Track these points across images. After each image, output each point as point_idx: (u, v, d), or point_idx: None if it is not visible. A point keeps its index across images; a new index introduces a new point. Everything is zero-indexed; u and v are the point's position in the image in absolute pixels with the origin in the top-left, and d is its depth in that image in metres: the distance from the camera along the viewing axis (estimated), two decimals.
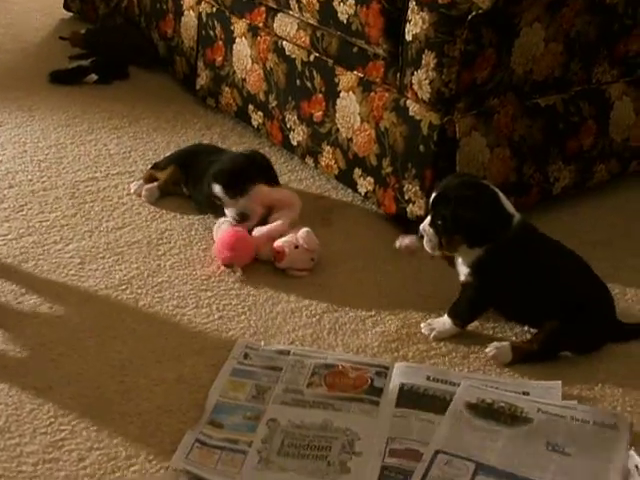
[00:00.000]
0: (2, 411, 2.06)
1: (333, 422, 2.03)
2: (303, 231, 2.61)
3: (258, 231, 2.66)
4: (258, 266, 2.62)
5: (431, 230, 2.30)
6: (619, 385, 2.24)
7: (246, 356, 2.25)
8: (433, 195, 2.31)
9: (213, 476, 1.89)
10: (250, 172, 2.74)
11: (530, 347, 2.31)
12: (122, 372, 2.20)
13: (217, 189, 2.70)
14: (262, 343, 2.31)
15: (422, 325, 2.40)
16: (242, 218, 2.68)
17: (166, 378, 2.19)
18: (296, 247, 2.59)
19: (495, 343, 2.33)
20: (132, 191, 2.95)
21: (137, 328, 2.36)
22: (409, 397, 2.11)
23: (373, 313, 2.47)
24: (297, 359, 2.24)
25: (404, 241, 2.46)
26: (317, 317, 2.44)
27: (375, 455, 1.95)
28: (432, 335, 2.38)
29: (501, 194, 2.31)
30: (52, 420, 2.05)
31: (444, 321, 2.38)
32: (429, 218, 2.32)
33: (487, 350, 2.31)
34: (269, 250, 2.61)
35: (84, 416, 2.06)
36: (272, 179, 2.83)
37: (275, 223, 2.67)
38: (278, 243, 2.60)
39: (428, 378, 2.17)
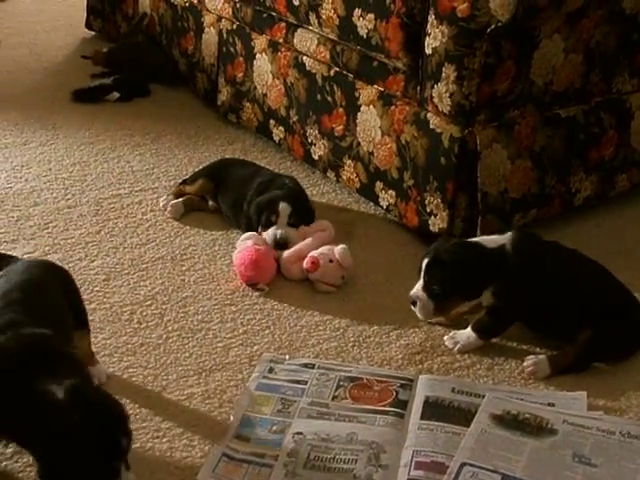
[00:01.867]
0: None
1: (359, 435, 2.03)
2: (340, 247, 2.63)
3: (287, 252, 2.67)
4: (282, 280, 2.64)
5: (425, 296, 2.30)
6: None
7: (271, 370, 2.26)
8: (425, 261, 2.30)
9: None
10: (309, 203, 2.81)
11: (566, 360, 2.30)
12: (148, 387, 2.22)
13: (284, 208, 2.72)
14: (287, 357, 2.32)
15: (445, 338, 2.41)
16: (284, 245, 2.69)
17: (192, 393, 2.20)
18: (330, 261, 2.60)
19: (532, 357, 2.32)
20: (161, 205, 2.97)
21: (162, 343, 2.37)
22: (434, 409, 2.11)
23: (397, 326, 2.47)
24: (322, 372, 2.25)
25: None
26: (341, 330, 2.45)
27: (401, 468, 1.95)
28: (456, 348, 2.37)
29: (485, 239, 2.35)
30: None
31: (468, 334, 2.38)
32: (421, 284, 2.31)
33: (525, 364, 2.30)
34: (298, 270, 2.63)
35: None
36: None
37: (305, 242, 2.68)
38: (314, 253, 2.61)
39: (453, 390, 2.17)
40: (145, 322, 2.46)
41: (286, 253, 2.66)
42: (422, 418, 2.08)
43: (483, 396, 2.14)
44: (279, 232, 2.70)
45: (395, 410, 2.12)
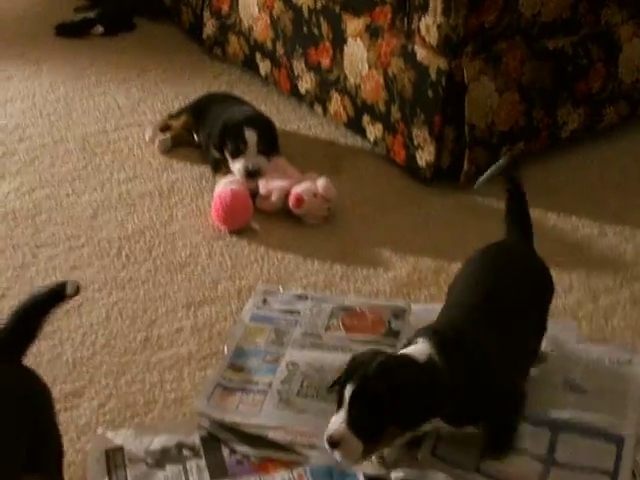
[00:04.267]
0: None
1: None
2: (322, 180, 2.62)
3: (265, 187, 2.65)
4: (269, 215, 2.63)
5: (350, 434, 1.69)
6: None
7: (265, 301, 2.28)
8: (348, 390, 1.70)
9: (234, 417, 1.92)
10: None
11: None
12: (138, 322, 2.23)
13: (250, 135, 2.70)
14: (280, 288, 2.33)
15: None
16: (255, 172, 2.67)
17: (182, 327, 2.22)
18: (315, 195, 2.60)
19: None
20: (147, 138, 2.95)
21: (151, 278, 2.38)
22: None
23: (384, 259, 2.48)
24: (315, 303, 2.27)
25: None
26: (329, 264, 2.46)
27: None
28: None
29: (410, 350, 1.79)
30: (71, 369, 2.08)
31: None
32: (343, 419, 1.70)
33: None
34: (279, 199, 2.62)
35: (102, 365, 2.09)
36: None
37: (283, 180, 2.67)
38: (297, 190, 2.60)
39: None
40: (133, 257, 2.46)
41: (263, 190, 2.65)
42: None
43: None
44: (250, 163, 2.68)
45: (387, 340, 2.13)
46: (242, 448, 1.85)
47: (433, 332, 1.80)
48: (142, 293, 2.33)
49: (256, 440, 1.87)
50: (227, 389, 2.00)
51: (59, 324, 2.19)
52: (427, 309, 2.23)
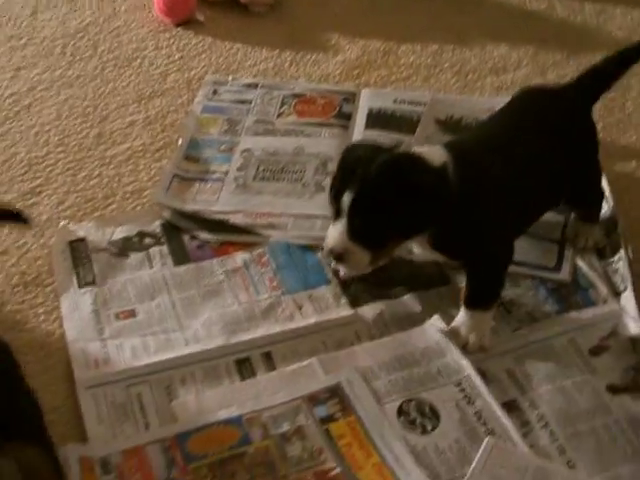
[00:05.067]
0: None
1: (305, 148, 2.06)
2: None
3: None
4: (214, 4, 2.58)
5: (354, 245, 1.53)
6: None
7: (215, 92, 2.26)
8: (348, 197, 1.51)
9: (193, 205, 1.94)
10: None
11: None
12: (89, 118, 2.21)
13: None
14: (230, 78, 2.32)
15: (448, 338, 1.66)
16: None
17: (134, 121, 2.20)
18: None
19: None
20: None
21: (98, 74, 2.35)
22: (378, 120, 2.14)
23: (333, 43, 2.47)
24: (266, 91, 2.26)
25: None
26: (277, 51, 2.44)
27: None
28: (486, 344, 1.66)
29: (425, 151, 1.58)
30: (27, 169, 2.07)
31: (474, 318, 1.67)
32: (344, 229, 1.53)
33: None
34: None
35: (58, 163, 2.09)
36: None
37: None
38: None
39: (395, 100, 2.19)
40: (79, 54, 2.42)
41: None
42: (366, 128, 2.12)
43: (425, 104, 2.17)
44: None
45: (339, 122, 2.15)
46: (203, 234, 1.88)
47: (456, 142, 1.67)
48: (91, 90, 2.30)
49: (216, 226, 1.90)
50: (184, 179, 2.01)
51: (10, 125, 2.18)
52: (376, 92, 2.25)
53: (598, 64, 1.82)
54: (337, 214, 1.53)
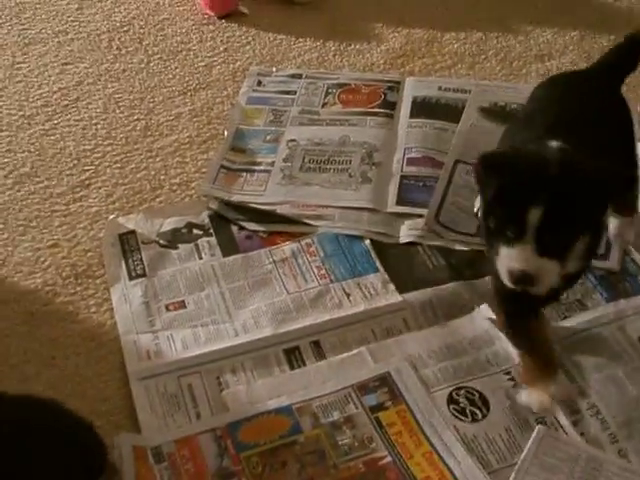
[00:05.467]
0: (26, 158, 2.10)
1: (351, 137, 2.07)
2: None
3: None
4: None
5: (544, 261, 1.38)
6: None
7: (259, 83, 2.28)
8: (535, 215, 1.36)
9: (241, 197, 1.95)
10: None
11: None
12: (136, 111, 2.23)
13: None
14: (274, 69, 2.33)
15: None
16: None
17: (180, 113, 2.22)
18: None
19: None
20: None
21: (144, 68, 2.37)
22: (422, 108, 2.15)
23: (376, 32, 2.47)
24: (310, 81, 2.27)
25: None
26: (321, 40, 2.44)
27: (394, 164, 2.01)
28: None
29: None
30: (76, 162, 2.09)
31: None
32: (530, 250, 1.38)
33: None
34: None
35: (106, 156, 2.11)
36: None
37: None
38: None
39: (440, 88, 2.20)
40: (124, 48, 2.44)
41: None
42: (411, 117, 2.13)
43: (469, 92, 2.17)
44: None
45: (384, 111, 2.15)
46: (251, 225, 1.89)
47: (539, 135, 1.51)
48: (137, 83, 2.32)
49: (264, 217, 1.91)
50: (231, 170, 2.02)
51: (59, 120, 2.20)
52: (421, 81, 2.24)
53: (622, 43, 1.78)
54: (518, 235, 1.38)
